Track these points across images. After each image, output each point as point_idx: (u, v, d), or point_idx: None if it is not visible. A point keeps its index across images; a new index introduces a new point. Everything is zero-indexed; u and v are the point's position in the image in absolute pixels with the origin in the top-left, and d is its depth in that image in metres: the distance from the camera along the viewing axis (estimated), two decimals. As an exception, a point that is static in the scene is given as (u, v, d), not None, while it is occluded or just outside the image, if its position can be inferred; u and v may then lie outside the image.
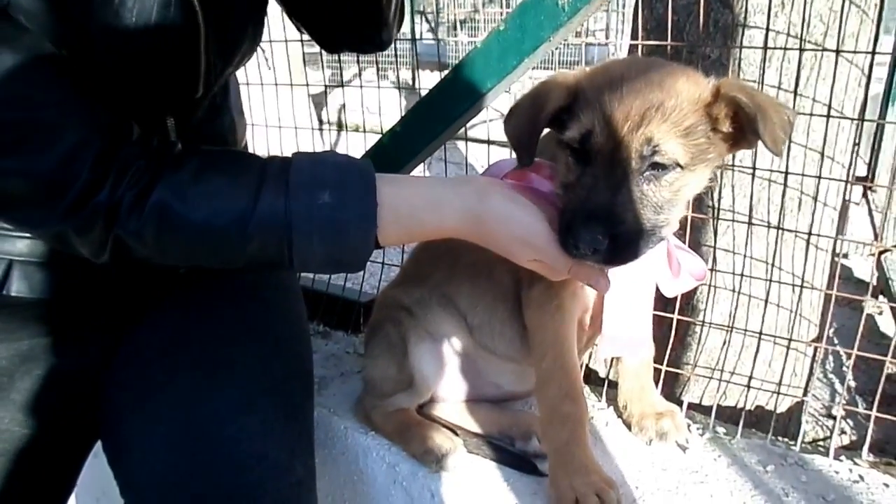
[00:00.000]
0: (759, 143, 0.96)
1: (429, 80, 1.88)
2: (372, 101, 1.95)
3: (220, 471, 1.10)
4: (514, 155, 1.11)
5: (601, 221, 0.95)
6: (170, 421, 1.17)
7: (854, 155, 1.63)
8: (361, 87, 1.95)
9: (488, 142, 1.72)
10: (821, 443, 2.12)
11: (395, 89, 2.16)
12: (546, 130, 1.08)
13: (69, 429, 1.28)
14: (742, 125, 0.98)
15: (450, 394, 1.40)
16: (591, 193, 0.97)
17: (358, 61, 2.12)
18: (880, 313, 3.04)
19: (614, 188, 0.96)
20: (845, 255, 3.46)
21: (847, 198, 1.68)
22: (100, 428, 1.27)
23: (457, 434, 1.35)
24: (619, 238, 0.96)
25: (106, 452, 1.25)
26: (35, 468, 1.24)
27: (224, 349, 1.27)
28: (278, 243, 0.99)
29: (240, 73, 1.50)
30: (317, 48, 1.51)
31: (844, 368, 2.66)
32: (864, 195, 3.44)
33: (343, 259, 1.02)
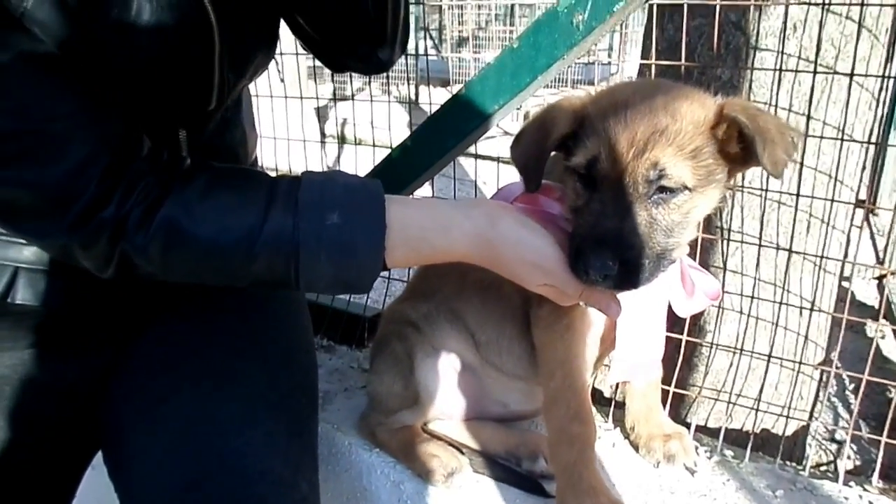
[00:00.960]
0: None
1: (432, 95, 1.88)
2: (375, 116, 1.96)
3: (223, 485, 1.08)
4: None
5: (610, 247, 0.95)
6: (173, 433, 1.15)
7: (862, 178, 1.63)
8: (370, 100, 1.95)
9: (497, 159, 1.72)
10: (825, 467, 2.10)
11: (398, 104, 2.16)
12: (553, 153, 1.07)
13: (69, 439, 1.26)
14: (748, 145, 0.98)
15: (456, 411, 1.39)
16: (600, 219, 0.97)
17: (351, 77, 2.12)
18: (882, 337, 3.03)
19: (622, 213, 0.96)
20: (847, 278, 3.45)
21: (853, 223, 1.67)
22: (101, 439, 1.25)
23: (462, 453, 1.33)
24: (629, 263, 0.95)
25: (107, 464, 1.23)
26: (34, 478, 1.22)
27: (229, 361, 1.26)
28: (286, 263, 0.98)
29: (250, 85, 1.49)
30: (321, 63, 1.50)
31: (847, 392, 2.65)
32: (866, 218, 3.46)
33: (350, 280, 1.01)
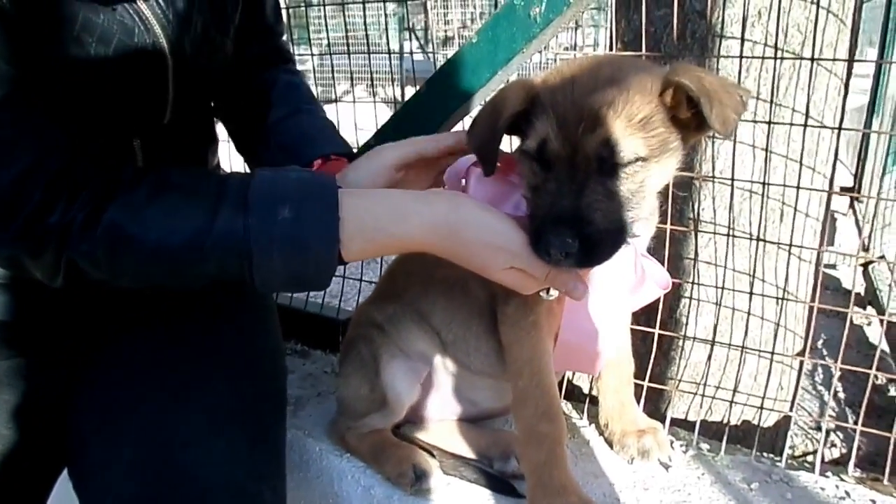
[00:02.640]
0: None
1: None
2: (359, 118, 1.94)
3: (183, 496, 1.07)
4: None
5: (569, 225, 0.93)
6: (134, 445, 1.13)
7: (834, 165, 1.61)
8: (353, 102, 1.93)
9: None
10: (810, 457, 2.09)
11: (383, 105, 2.15)
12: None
13: (35, 454, 1.24)
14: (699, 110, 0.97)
15: (425, 412, 1.37)
16: (556, 198, 0.95)
17: (334, 80, 2.11)
18: (868, 324, 3.02)
19: (578, 190, 0.94)
20: (833, 266, 3.45)
21: (831, 208, 1.66)
22: (66, 454, 1.23)
23: (433, 455, 1.31)
24: (590, 239, 0.94)
25: (71, 477, 1.21)
26: (2, 493, 1.20)
27: (192, 371, 1.24)
28: (238, 262, 0.96)
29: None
30: (307, 66, 1.52)
31: (833, 380, 2.64)
32: (851, 206, 3.45)
33: (306, 275, 0.99)
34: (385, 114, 1.96)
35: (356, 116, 1.94)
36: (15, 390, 1.21)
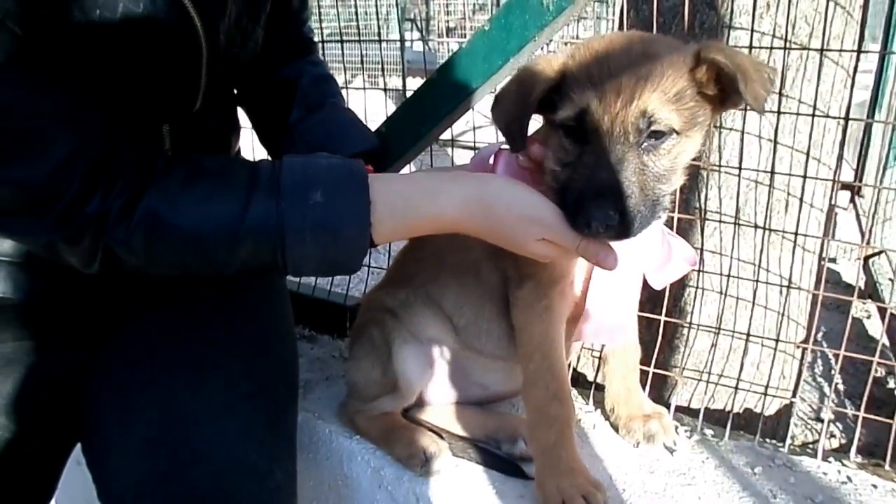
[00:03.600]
0: (745, 102, 0.96)
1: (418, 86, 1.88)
2: (362, 107, 1.94)
3: (196, 475, 1.08)
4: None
5: (610, 198, 0.95)
6: (147, 423, 1.15)
7: (840, 156, 1.63)
8: (363, 89, 1.94)
9: (475, 147, 1.71)
10: (810, 446, 2.11)
11: (382, 94, 2.15)
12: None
13: (50, 432, 1.25)
14: (725, 86, 0.99)
15: (435, 396, 1.39)
16: (596, 171, 0.96)
17: (345, 68, 2.12)
18: (868, 317, 3.04)
19: (618, 163, 0.96)
20: (833, 260, 3.46)
21: (834, 202, 1.67)
22: (80, 431, 1.25)
23: (442, 437, 1.33)
24: (629, 212, 0.95)
25: (85, 455, 1.23)
26: (14, 472, 1.21)
27: (206, 352, 1.25)
28: (271, 247, 0.97)
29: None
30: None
31: (833, 372, 2.66)
32: (852, 200, 3.46)
33: (338, 259, 1.01)
34: (382, 103, 1.98)
35: (355, 105, 1.94)
36: (28, 370, 1.22)
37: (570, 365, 1.57)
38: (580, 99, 0.97)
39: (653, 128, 0.96)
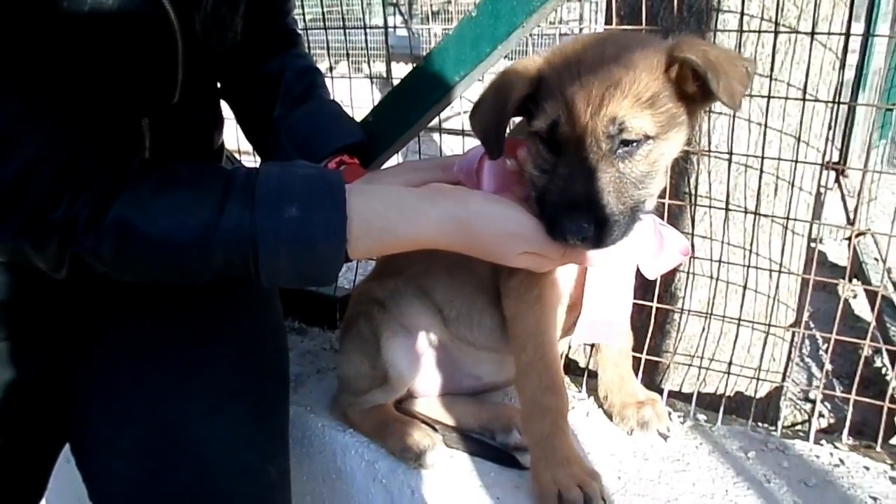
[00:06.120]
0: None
1: (402, 71, 1.86)
2: (346, 94, 1.92)
3: (187, 474, 1.07)
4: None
5: (583, 210, 0.94)
6: (138, 422, 1.14)
7: (829, 139, 1.63)
8: (349, 77, 1.91)
9: (462, 133, 1.70)
10: (799, 426, 2.13)
11: (366, 80, 2.13)
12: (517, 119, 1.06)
13: (38, 432, 1.24)
14: (703, 82, 0.97)
15: (428, 388, 1.38)
16: (568, 183, 0.96)
17: (329, 54, 2.08)
18: (854, 297, 3.07)
19: (589, 174, 0.95)
20: (820, 240, 3.49)
21: (821, 183, 1.68)
22: (69, 430, 1.23)
23: (436, 429, 1.32)
24: (605, 222, 0.95)
25: (74, 455, 1.21)
26: (3, 472, 1.19)
27: (195, 349, 1.24)
28: (244, 258, 0.95)
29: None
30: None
31: (821, 352, 2.69)
32: (837, 180, 3.48)
33: (312, 274, 0.99)
34: (366, 89, 1.95)
35: (340, 91, 1.92)
36: (14, 370, 1.20)
37: (563, 354, 1.57)
38: (551, 109, 0.97)
39: (623, 136, 0.95)
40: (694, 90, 0.99)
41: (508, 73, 1.05)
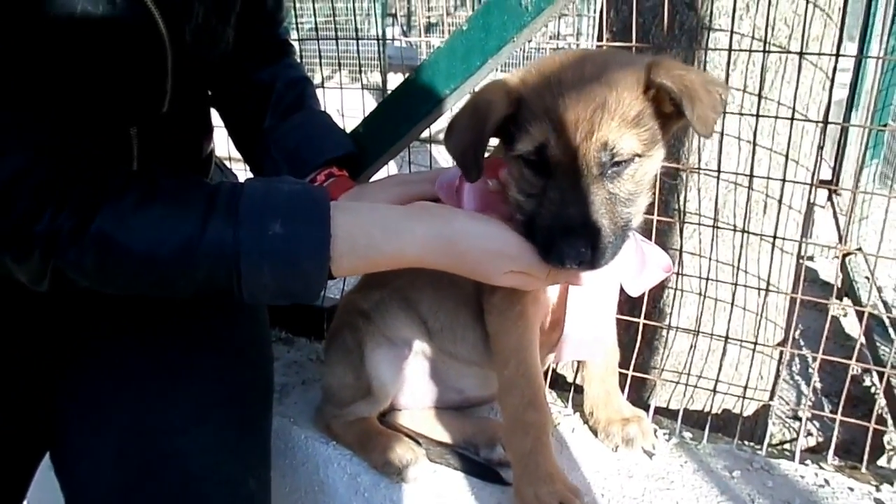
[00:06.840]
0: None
1: (399, 82, 1.86)
2: (348, 104, 1.92)
3: (168, 484, 1.06)
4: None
5: (581, 234, 0.94)
6: (119, 431, 1.12)
7: (818, 158, 1.63)
8: (340, 88, 1.91)
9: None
10: (787, 445, 2.12)
11: (365, 91, 2.13)
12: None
13: (19, 440, 1.22)
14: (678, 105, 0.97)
15: (411, 401, 1.37)
16: (563, 207, 0.95)
17: (321, 64, 2.09)
18: (844, 315, 3.07)
19: (583, 197, 0.94)
20: (811, 258, 3.50)
21: (812, 201, 1.68)
22: (49, 438, 1.21)
23: (419, 443, 1.31)
24: (600, 244, 0.95)
25: (54, 463, 1.20)
26: None
27: (179, 358, 1.23)
28: (227, 275, 0.94)
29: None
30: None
31: (810, 370, 2.68)
32: (829, 198, 3.49)
33: (295, 291, 0.98)
34: (369, 100, 1.95)
35: (334, 102, 1.92)
36: None
37: (547, 369, 1.56)
38: (538, 132, 0.96)
39: (616, 158, 0.95)
40: (671, 110, 0.99)
41: (486, 92, 1.04)
